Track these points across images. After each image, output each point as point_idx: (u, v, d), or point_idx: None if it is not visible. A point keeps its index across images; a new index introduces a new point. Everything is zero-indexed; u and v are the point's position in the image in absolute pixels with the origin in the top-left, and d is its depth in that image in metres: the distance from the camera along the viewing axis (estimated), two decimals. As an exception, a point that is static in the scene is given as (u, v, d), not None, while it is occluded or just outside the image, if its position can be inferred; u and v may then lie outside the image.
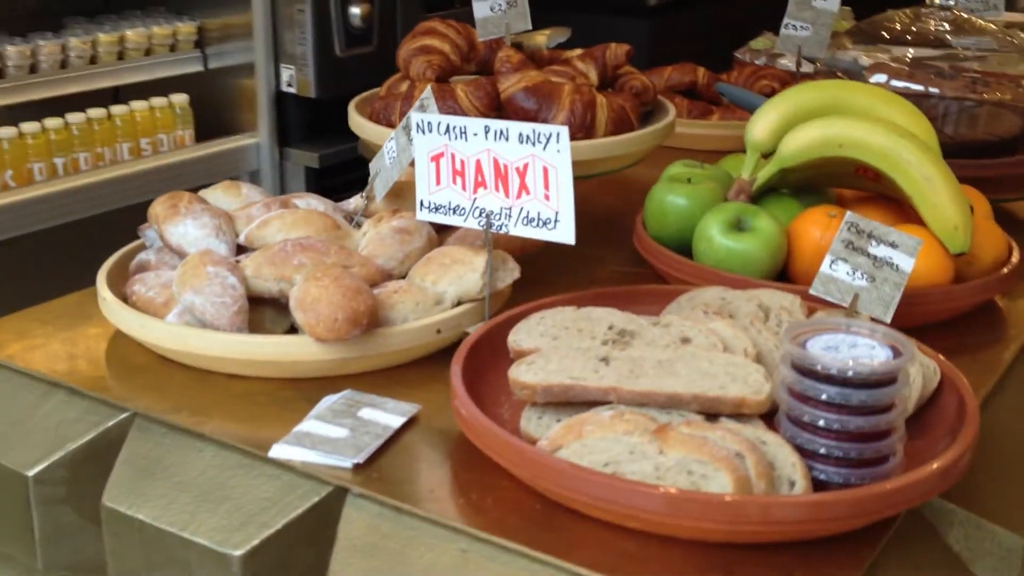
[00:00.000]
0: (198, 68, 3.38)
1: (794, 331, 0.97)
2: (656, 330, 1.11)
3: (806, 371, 0.94)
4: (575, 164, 1.45)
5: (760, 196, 1.40)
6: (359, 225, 1.31)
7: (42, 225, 2.96)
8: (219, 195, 1.38)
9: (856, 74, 1.90)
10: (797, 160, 1.35)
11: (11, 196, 2.93)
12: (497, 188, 1.15)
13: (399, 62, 1.59)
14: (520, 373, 1.02)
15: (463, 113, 1.48)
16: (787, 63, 2.12)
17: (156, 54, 3.23)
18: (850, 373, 0.92)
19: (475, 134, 1.15)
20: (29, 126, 2.91)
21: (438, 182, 1.19)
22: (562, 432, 0.96)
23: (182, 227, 1.25)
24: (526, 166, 1.13)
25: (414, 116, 1.19)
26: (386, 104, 1.51)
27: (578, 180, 1.56)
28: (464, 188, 1.18)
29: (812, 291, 1.13)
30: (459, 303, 1.21)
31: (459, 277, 1.20)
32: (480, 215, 1.18)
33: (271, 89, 3.18)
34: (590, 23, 3.64)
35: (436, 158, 1.19)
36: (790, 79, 2.06)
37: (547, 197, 1.13)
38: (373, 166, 1.32)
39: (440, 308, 1.19)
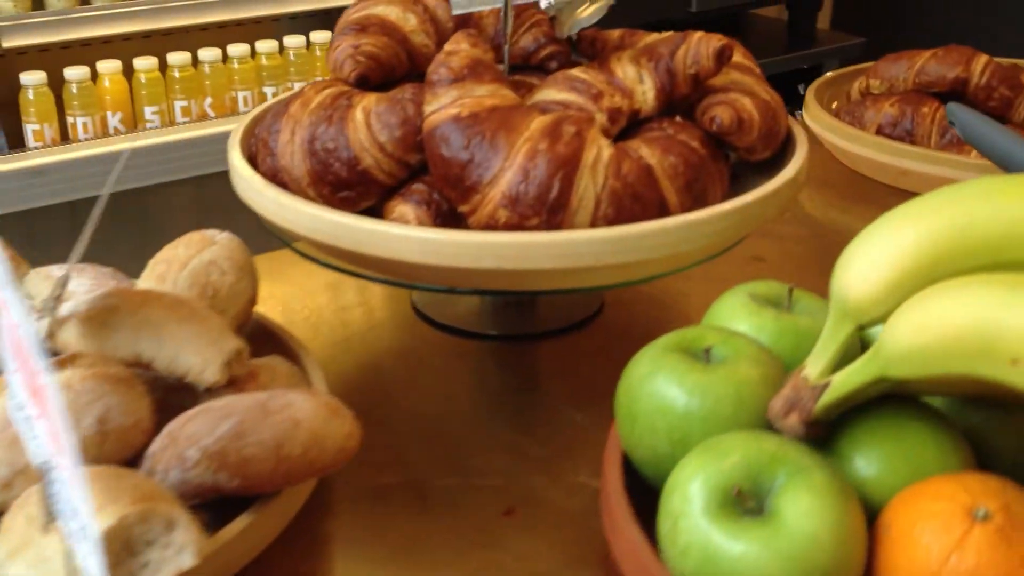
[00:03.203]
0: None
1: None
2: None
3: None
4: (520, 273, 0.75)
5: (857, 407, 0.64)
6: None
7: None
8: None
9: None
10: (914, 372, 0.58)
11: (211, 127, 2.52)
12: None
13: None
14: None
15: (353, 157, 0.81)
16: None
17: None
18: None
19: None
20: (236, 48, 2.50)
21: None
22: None
23: None
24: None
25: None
26: (258, 124, 0.87)
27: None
28: None
29: None
30: (62, 600, 0.58)
31: (42, 558, 0.57)
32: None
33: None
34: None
35: None
36: None
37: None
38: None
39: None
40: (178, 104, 2.40)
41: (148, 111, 2.36)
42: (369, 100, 0.84)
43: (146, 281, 0.76)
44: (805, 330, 0.72)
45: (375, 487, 0.75)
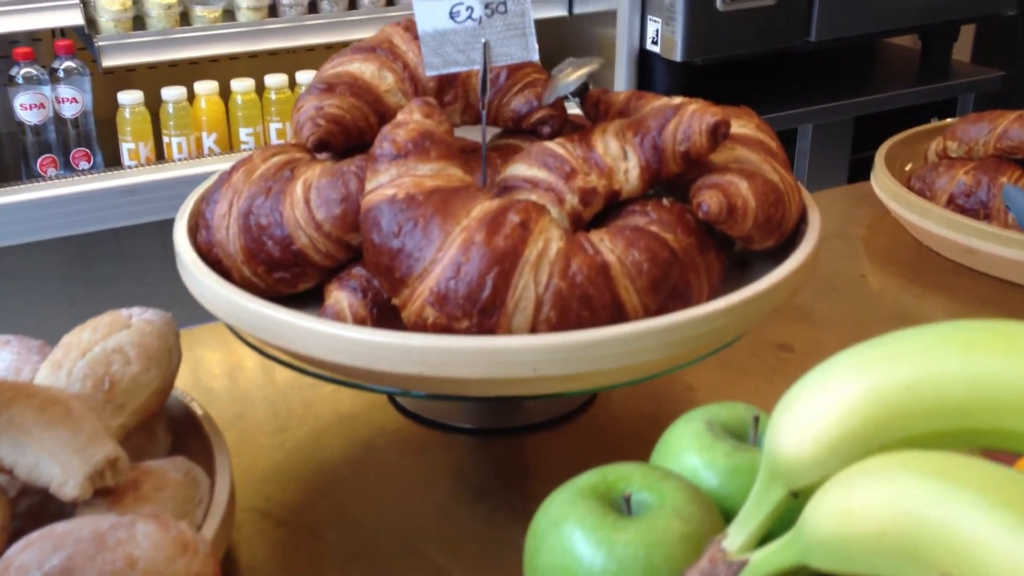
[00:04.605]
0: (561, 13, 2.76)
1: None
2: None
3: None
4: (448, 380, 0.66)
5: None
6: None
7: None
8: None
9: None
10: (837, 566, 0.46)
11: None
12: None
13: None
14: None
15: (287, 236, 0.74)
16: None
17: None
18: None
19: None
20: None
21: None
22: None
23: None
24: None
25: None
26: (206, 197, 0.80)
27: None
28: None
29: None
30: None
31: None
32: None
33: (634, 45, 2.50)
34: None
35: None
36: None
37: None
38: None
39: None
40: (273, 126, 2.38)
41: (243, 132, 2.34)
42: (312, 172, 0.76)
43: (45, 368, 0.70)
44: (737, 472, 0.61)
45: (275, 612, 0.67)
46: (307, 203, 0.74)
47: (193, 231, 0.79)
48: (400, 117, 0.73)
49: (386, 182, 0.70)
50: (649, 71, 2.50)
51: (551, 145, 0.76)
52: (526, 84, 0.85)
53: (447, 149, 0.72)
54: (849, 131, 2.56)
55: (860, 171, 2.44)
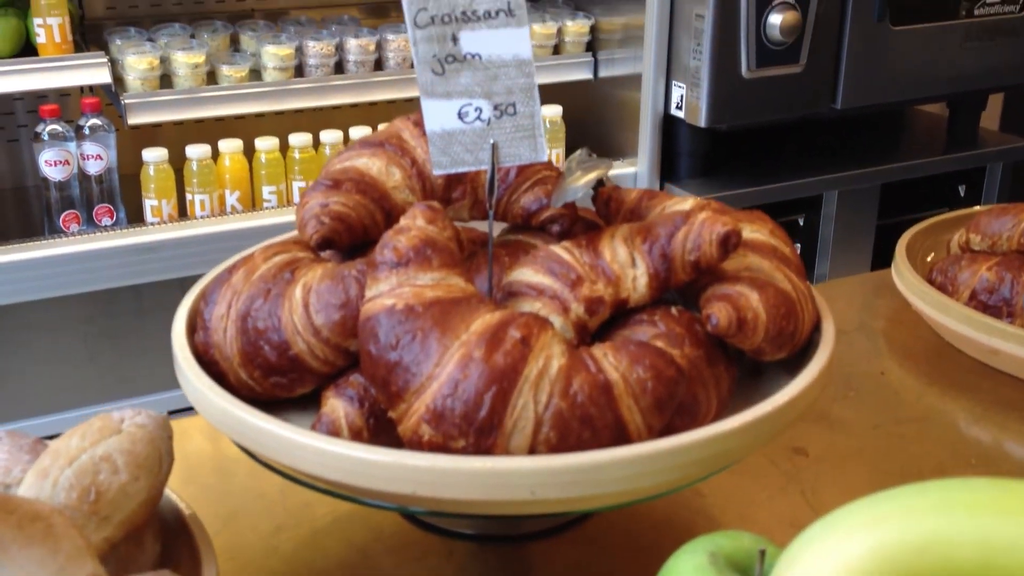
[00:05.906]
0: (587, 76, 2.76)
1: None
2: None
3: None
4: (443, 501, 0.64)
5: None
6: None
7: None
8: None
9: None
10: None
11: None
12: None
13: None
14: None
15: (284, 341, 0.72)
16: None
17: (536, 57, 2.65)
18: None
19: None
20: (358, 131, 2.46)
21: None
22: None
23: None
24: None
25: None
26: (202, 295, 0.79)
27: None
28: None
29: None
30: None
31: None
32: None
33: (658, 110, 2.49)
34: None
35: None
36: None
37: None
38: None
39: None
40: (296, 185, 2.37)
41: (266, 191, 2.34)
42: (312, 275, 0.74)
43: (31, 476, 0.68)
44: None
45: None
46: (306, 307, 0.72)
47: (191, 329, 0.77)
48: (403, 222, 0.72)
49: (386, 291, 0.68)
50: (673, 136, 2.49)
51: (558, 250, 0.75)
52: (536, 181, 0.84)
53: (449, 257, 0.70)
54: (876, 198, 2.54)
55: (886, 237, 2.40)
